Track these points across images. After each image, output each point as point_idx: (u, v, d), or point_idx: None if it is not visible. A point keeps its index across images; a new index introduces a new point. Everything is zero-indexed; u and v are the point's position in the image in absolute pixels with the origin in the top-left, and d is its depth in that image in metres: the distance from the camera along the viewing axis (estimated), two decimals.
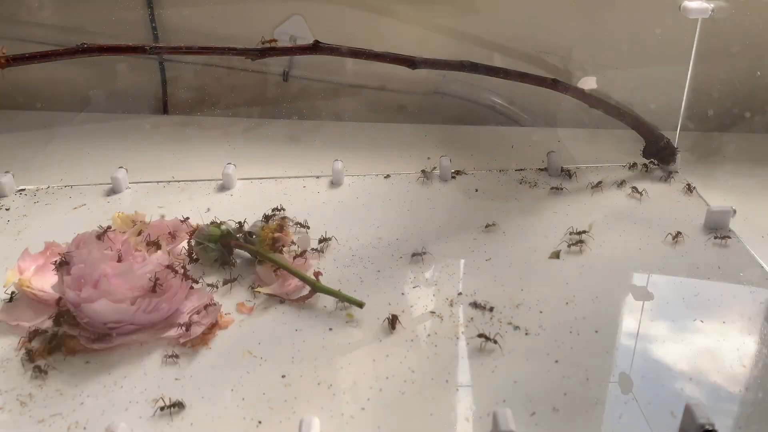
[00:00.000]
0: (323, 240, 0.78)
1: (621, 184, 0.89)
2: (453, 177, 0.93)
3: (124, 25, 1.10)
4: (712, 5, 0.86)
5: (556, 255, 0.76)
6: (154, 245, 0.74)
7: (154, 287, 0.65)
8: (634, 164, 0.93)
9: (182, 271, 0.68)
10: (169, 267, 0.67)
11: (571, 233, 0.77)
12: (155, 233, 0.76)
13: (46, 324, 0.66)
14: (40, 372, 0.61)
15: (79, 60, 0.80)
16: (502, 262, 0.75)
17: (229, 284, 0.72)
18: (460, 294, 0.70)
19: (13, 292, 0.69)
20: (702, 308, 0.67)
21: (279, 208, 0.85)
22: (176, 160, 1.01)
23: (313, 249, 0.77)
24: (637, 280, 0.72)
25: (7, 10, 1.10)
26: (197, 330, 0.65)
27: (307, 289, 0.70)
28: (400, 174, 0.94)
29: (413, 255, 0.76)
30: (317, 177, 0.94)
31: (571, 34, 1.05)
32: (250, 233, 0.77)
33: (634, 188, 0.87)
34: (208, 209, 0.86)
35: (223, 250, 0.76)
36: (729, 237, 0.77)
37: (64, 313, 0.66)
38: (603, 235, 0.79)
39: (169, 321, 0.66)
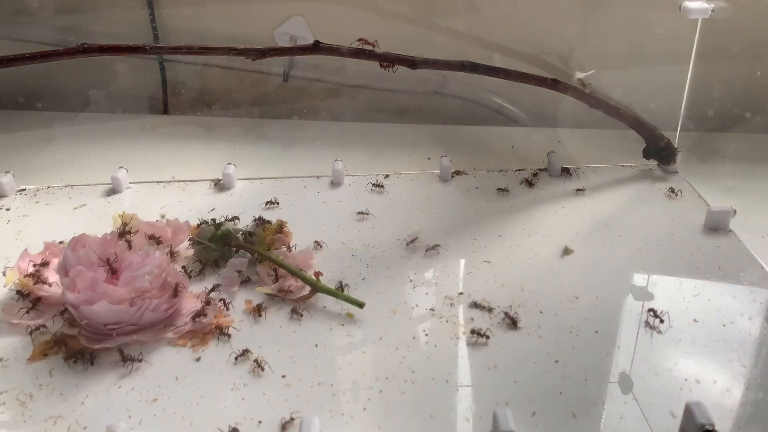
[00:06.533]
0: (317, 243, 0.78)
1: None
2: (453, 177, 0.93)
3: (124, 25, 1.10)
4: (712, 5, 0.86)
5: (567, 252, 0.76)
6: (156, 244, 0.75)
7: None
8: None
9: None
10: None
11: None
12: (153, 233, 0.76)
13: (48, 323, 0.66)
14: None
15: (79, 60, 0.80)
16: (503, 262, 0.75)
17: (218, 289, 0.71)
18: (460, 294, 0.70)
19: (20, 291, 0.69)
20: (702, 308, 0.67)
21: (273, 201, 0.85)
22: (176, 160, 1.01)
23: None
24: (637, 280, 0.72)
25: (7, 10, 1.10)
26: (208, 318, 0.66)
27: (307, 289, 0.70)
28: (400, 174, 0.94)
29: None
30: (317, 177, 0.94)
31: (571, 34, 1.05)
32: (250, 233, 0.77)
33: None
34: (214, 209, 0.86)
35: (223, 250, 0.76)
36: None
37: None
38: (603, 235, 0.79)
39: (169, 321, 0.66)
